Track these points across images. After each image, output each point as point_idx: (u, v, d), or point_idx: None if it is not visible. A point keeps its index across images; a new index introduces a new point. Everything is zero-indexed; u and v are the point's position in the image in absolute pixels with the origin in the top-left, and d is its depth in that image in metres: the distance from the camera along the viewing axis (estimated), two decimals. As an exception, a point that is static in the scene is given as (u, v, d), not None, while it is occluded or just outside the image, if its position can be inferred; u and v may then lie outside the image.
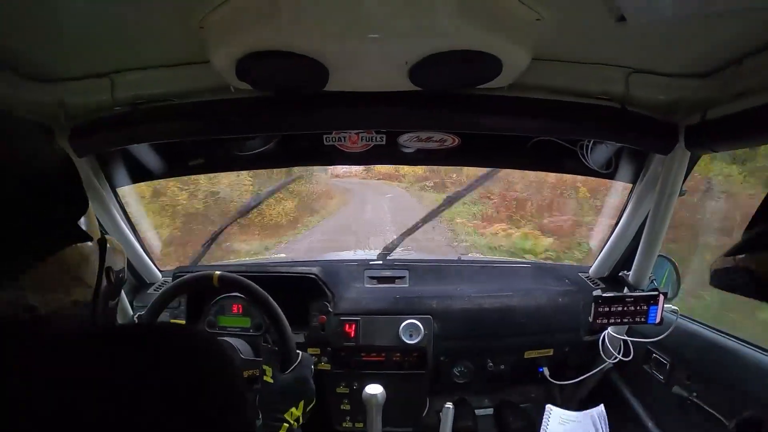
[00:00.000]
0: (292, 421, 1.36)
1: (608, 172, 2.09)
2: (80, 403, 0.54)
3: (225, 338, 1.83)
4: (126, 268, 0.97)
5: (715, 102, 1.48)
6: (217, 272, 1.63)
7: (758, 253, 0.66)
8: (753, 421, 1.37)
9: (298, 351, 1.56)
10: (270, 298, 1.62)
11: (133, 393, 0.55)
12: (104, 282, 0.79)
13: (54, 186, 0.69)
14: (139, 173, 2.13)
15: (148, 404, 0.55)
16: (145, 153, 2.03)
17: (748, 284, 0.68)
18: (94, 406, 0.54)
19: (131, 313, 2.20)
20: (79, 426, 0.53)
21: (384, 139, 2.01)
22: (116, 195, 2.16)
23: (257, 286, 1.63)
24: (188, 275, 1.71)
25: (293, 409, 1.38)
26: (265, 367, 1.49)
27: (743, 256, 0.69)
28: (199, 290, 2.05)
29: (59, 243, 0.69)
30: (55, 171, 0.70)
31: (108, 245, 0.82)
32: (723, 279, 0.74)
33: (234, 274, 1.65)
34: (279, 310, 1.61)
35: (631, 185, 2.17)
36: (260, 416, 1.35)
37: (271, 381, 1.45)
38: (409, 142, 1.99)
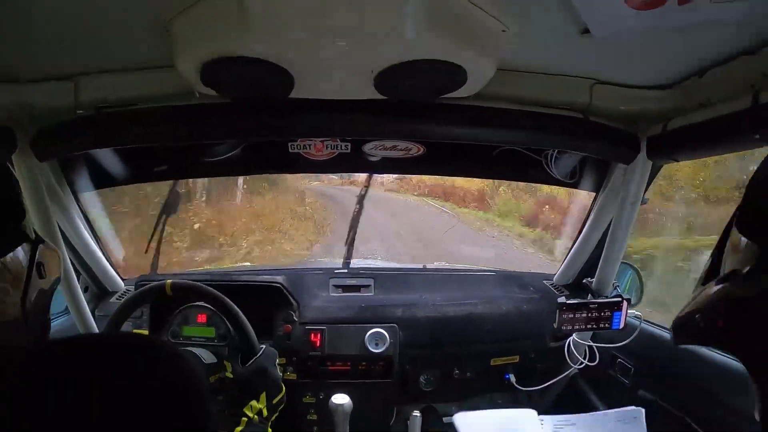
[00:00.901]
0: (252, 415, 1.35)
1: (572, 181, 2.11)
2: (35, 418, 0.52)
3: (189, 348, 1.80)
4: (61, 276, 0.95)
5: (676, 113, 1.51)
6: (169, 280, 1.61)
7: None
8: None
9: (262, 345, 1.54)
10: (225, 298, 1.60)
11: (91, 406, 0.53)
12: (36, 281, 0.77)
13: None
14: (103, 179, 2.07)
15: (106, 418, 0.53)
16: (108, 158, 1.97)
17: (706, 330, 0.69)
18: (52, 417, 0.52)
19: (92, 322, 2.14)
20: None
21: (349, 147, 2.00)
22: (78, 201, 2.09)
23: (211, 288, 1.61)
24: (142, 287, 1.69)
25: (253, 402, 1.37)
26: (225, 362, 1.48)
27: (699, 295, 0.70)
28: (157, 300, 2.01)
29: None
30: None
31: (42, 248, 0.80)
32: (686, 332, 0.74)
33: (186, 280, 1.63)
34: (235, 307, 1.60)
35: (594, 194, 2.20)
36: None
37: (231, 376, 1.44)
38: (374, 150, 1.98)
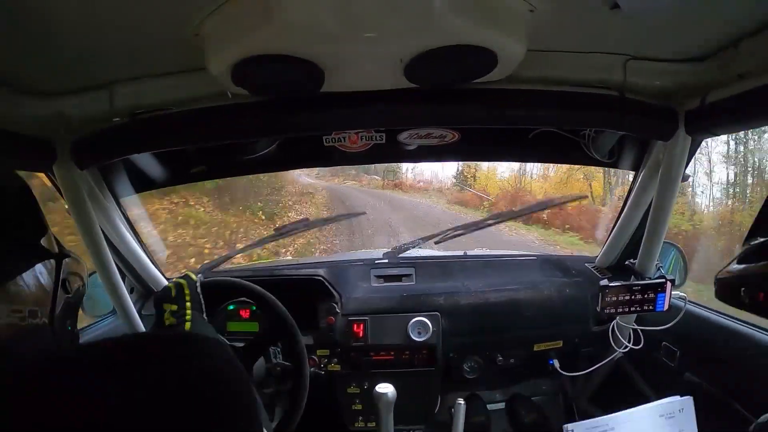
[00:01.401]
0: (170, 321, 1.50)
1: (611, 161, 2.08)
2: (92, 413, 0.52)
3: (233, 344, 1.83)
4: (85, 284, 0.98)
5: (713, 86, 1.47)
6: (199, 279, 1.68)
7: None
8: None
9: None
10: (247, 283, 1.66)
11: (139, 402, 0.54)
12: (62, 295, 0.79)
13: (10, 213, 0.69)
14: (142, 183, 2.13)
15: (155, 414, 0.54)
16: (146, 162, 2.02)
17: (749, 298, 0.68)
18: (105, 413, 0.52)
19: (139, 321, 2.20)
20: None
21: (384, 137, 2.01)
22: (120, 206, 2.16)
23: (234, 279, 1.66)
24: (249, 284, 1.77)
25: (165, 315, 1.52)
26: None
27: (751, 265, 0.69)
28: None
29: (15, 269, 0.69)
30: (10, 198, 0.71)
31: (67, 260, 0.83)
32: (728, 290, 0.73)
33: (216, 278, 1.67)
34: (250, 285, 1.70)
35: (633, 173, 2.17)
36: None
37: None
38: (409, 139, 1.99)
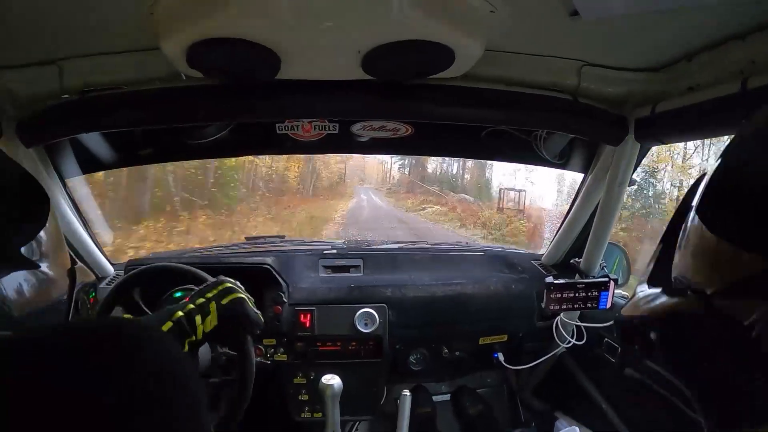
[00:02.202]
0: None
1: (561, 162, 2.12)
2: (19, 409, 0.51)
3: None
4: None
5: (664, 96, 1.51)
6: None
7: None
8: None
9: None
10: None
11: (77, 391, 0.52)
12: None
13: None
14: (89, 163, 2.05)
15: (91, 402, 0.52)
16: (94, 142, 1.96)
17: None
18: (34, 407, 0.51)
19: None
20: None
21: (337, 128, 1.99)
22: (65, 186, 2.08)
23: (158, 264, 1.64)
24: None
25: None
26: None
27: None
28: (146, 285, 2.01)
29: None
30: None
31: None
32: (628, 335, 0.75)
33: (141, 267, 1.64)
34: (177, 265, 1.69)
35: (582, 175, 2.21)
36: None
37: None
38: (362, 130, 1.98)
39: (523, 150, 2.08)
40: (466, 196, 19.89)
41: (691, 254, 0.61)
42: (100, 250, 2.32)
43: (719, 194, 0.59)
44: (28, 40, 1.34)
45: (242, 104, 1.59)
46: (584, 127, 1.73)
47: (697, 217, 0.60)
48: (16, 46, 1.37)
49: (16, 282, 0.75)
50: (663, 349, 0.66)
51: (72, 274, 0.79)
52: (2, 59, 1.43)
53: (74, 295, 0.79)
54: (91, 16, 1.22)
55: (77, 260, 2.23)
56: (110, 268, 2.37)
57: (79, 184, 2.27)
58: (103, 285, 2.29)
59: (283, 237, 2.79)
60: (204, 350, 1.72)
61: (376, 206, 21.28)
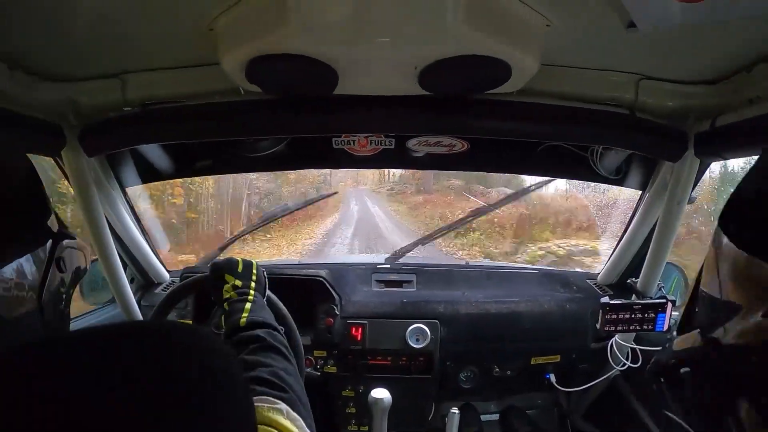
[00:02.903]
0: (230, 294, 1.41)
1: (618, 178, 2.08)
2: (76, 403, 0.51)
3: None
4: (88, 267, 0.98)
5: (724, 109, 1.47)
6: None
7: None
8: None
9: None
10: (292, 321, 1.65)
11: (131, 389, 0.54)
12: (56, 275, 0.79)
13: (18, 196, 0.69)
14: (148, 173, 2.14)
15: (144, 405, 0.53)
16: (154, 153, 2.04)
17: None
18: (90, 403, 0.52)
19: (137, 311, 2.20)
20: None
21: (393, 143, 2.02)
22: (125, 194, 2.17)
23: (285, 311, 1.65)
24: (199, 275, 1.72)
25: (225, 286, 1.44)
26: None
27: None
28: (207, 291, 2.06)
29: (25, 248, 0.70)
30: (19, 182, 0.71)
31: (68, 241, 0.82)
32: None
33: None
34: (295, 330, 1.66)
35: (640, 192, 2.17)
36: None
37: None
38: (418, 146, 2.00)
39: (579, 166, 2.05)
40: (506, 189, 12.67)
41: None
42: (156, 257, 2.40)
43: (743, 208, 0.59)
44: (92, 54, 1.40)
45: (299, 118, 1.62)
46: (642, 143, 1.69)
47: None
48: (81, 60, 1.44)
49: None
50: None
51: (57, 238, 0.81)
52: (67, 72, 1.50)
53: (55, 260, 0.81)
54: (154, 31, 1.28)
55: (133, 267, 2.31)
56: (166, 275, 2.45)
57: (139, 192, 2.35)
58: (158, 290, 2.37)
59: (286, 205, 2.85)
60: None
61: (372, 226, 14.75)
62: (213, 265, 1.55)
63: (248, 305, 1.35)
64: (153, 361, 0.58)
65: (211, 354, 0.65)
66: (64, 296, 0.90)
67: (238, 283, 1.45)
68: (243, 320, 1.28)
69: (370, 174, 22.20)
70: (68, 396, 0.51)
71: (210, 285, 1.52)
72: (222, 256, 2.74)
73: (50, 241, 0.79)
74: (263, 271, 1.58)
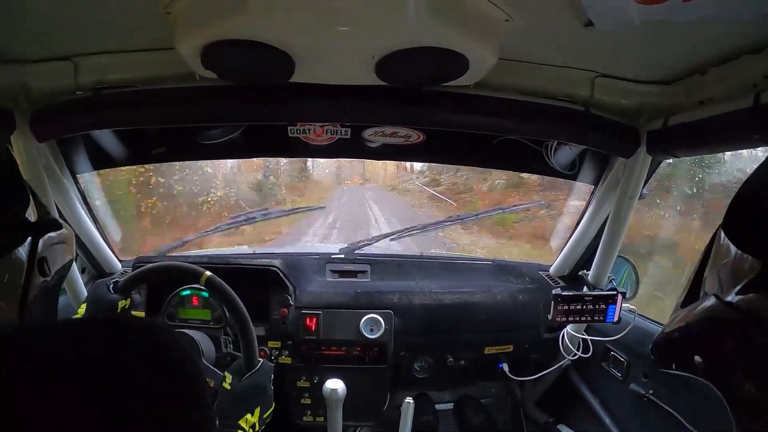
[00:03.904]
0: (247, 428, 1.33)
1: (571, 173, 2.12)
2: (32, 401, 0.51)
3: (185, 330, 1.80)
4: (74, 260, 0.93)
5: (677, 109, 1.50)
6: (207, 273, 1.58)
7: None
8: None
9: (260, 359, 1.53)
10: (244, 310, 1.58)
11: (91, 384, 0.53)
12: (37, 280, 0.75)
13: None
14: (101, 160, 2.07)
15: (99, 400, 0.53)
16: (107, 139, 1.98)
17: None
18: (46, 401, 0.51)
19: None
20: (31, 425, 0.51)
21: (349, 132, 2.00)
22: (76, 182, 2.10)
23: (238, 299, 1.59)
24: (179, 263, 1.66)
25: (248, 416, 1.35)
26: (226, 373, 1.48)
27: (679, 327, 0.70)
28: (170, 280, 2.00)
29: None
30: None
31: (51, 234, 0.77)
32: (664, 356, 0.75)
33: (222, 282, 1.60)
34: (248, 319, 1.55)
35: (593, 187, 2.21)
36: (217, 423, 1.32)
37: (229, 388, 1.44)
38: (373, 136, 1.98)
39: (533, 160, 2.08)
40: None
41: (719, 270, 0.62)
42: (108, 246, 2.33)
43: (746, 211, 0.60)
44: (43, 36, 1.35)
45: (255, 106, 1.60)
46: (596, 139, 1.72)
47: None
48: (31, 41, 1.38)
49: None
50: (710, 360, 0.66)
51: (36, 232, 0.75)
52: (18, 53, 1.44)
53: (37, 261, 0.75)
54: (108, 13, 1.23)
55: (84, 258, 2.25)
56: (118, 264, 2.39)
57: (89, 180, 2.28)
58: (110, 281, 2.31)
59: (266, 209, 2.80)
60: (209, 348, 1.72)
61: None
62: (262, 388, 1.47)
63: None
64: (119, 353, 0.57)
65: (167, 349, 0.64)
66: (50, 308, 0.83)
67: (257, 427, 1.40)
68: None
69: (381, 168, 19.41)
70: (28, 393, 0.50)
71: (246, 389, 1.45)
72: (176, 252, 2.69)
73: (29, 238, 0.72)
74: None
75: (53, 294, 0.83)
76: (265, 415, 1.42)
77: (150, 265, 1.63)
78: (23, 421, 0.49)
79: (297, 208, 3.34)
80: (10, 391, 0.50)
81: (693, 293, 0.69)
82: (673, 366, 0.76)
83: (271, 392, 1.48)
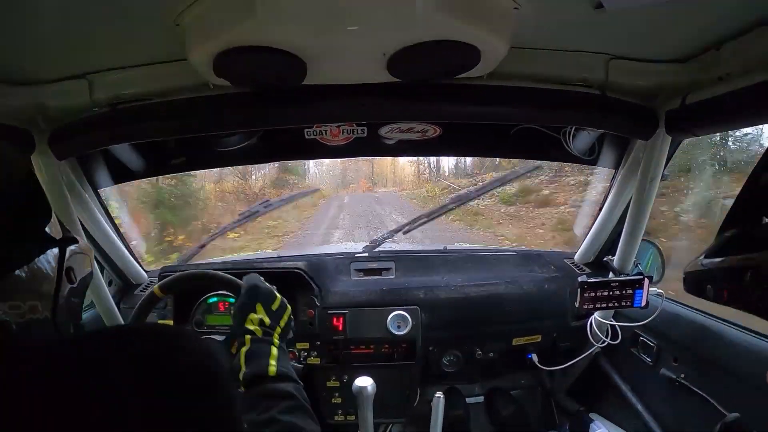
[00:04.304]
0: (254, 327, 1.30)
1: (591, 158, 2.09)
2: (65, 408, 0.53)
3: (212, 336, 1.82)
4: (92, 271, 0.95)
5: (694, 87, 1.48)
6: (156, 286, 1.58)
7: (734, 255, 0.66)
8: (737, 426, 1.38)
9: (243, 277, 1.51)
10: (202, 271, 1.60)
11: (117, 393, 0.55)
12: (66, 286, 0.77)
13: (18, 199, 0.68)
14: (121, 173, 2.10)
15: (132, 406, 0.54)
16: (125, 153, 2.00)
17: (720, 289, 0.69)
18: (78, 408, 0.53)
19: (118, 315, 2.18)
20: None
21: (365, 131, 2.01)
22: (98, 196, 2.13)
23: (188, 271, 1.59)
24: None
25: (252, 315, 1.33)
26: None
27: (718, 260, 0.69)
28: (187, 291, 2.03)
29: (27, 255, 0.68)
30: (20, 184, 0.69)
31: (72, 247, 0.80)
32: (698, 283, 0.74)
33: (172, 275, 1.61)
34: (207, 271, 1.59)
35: (613, 171, 2.19)
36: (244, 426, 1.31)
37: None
38: (390, 133, 1.99)
39: (552, 147, 2.06)
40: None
41: None
42: (134, 258, 2.37)
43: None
44: (57, 56, 1.37)
45: (269, 111, 1.60)
46: (613, 122, 1.70)
47: None
48: (45, 62, 1.40)
49: None
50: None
51: (63, 245, 0.78)
52: (33, 75, 1.46)
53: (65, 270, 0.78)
54: (118, 29, 1.24)
55: (110, 270, 2.28)
56: (144, 275, 2.42)
57: (112, 193, 2.31)
58: (137, 291, 2.34)
59: (267, 201, 2.79)
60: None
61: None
62: (251, 288, 1.43)
63: (275, 350, 1.27)
64: (147, 363, 0.59)
65: (194, 354, 0.66)
66: (77, 308, 0.87)
67: (267, 320, 1.35)
68: (272, 369, 1.20)
69: (390, 168, 17.62)
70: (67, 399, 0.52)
71: (238, 304, 1.40)
72: (200, 255, 2.71)
73: (56, 249, 0.76)
74: (292, 319, 1.47)
75: (80, 297, 0.87)
76: (273, 307, 1.39)
77: (141, 298, 1.64)
78: (23, 421, 0.50)
79: (294, 195, 3.38)
80: (10, 391, 0.52)
81: (734, 217, 0.69)
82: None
83: (267, 287, 1.45)
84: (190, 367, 0.64)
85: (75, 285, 0.81)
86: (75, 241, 0.84)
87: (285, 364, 1.27)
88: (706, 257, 0.73)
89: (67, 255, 0.79)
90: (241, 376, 1.20)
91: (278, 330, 1.36)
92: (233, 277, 1.54)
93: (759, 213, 0.64)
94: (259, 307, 1.36)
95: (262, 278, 1.49)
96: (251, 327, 1.31)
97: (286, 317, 1.42)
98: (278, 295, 1.46)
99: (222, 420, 0.65)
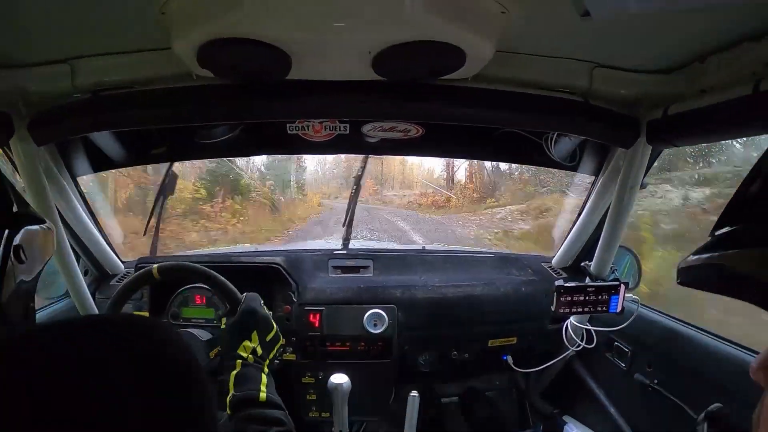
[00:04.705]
0: (246, 355, 1.32)
1: (572, 164, 2.12)
2: (65, 408, 0.52)
3: (188, 329, 1.81)
4: (49, 257, 0.93)
5: (677, 98, 1.49)
6: (155, 265, 1.57)
7: (728, 251, 0.67)
8: (720, 414, 1.40)
9: (244, 294, 1.51)
10: (204, 268, 1.57)
11: (91, 384, 0.54)
12: (16, 266, 0.75)
13: None
14: (100, 162, 2.07)
15: (104, 397, 0.53)
16: (106, 141, 1.98)
17: (716, 281, 0.69)
18: (78, 408, 0.52)
19: (93, 305, 2.15)
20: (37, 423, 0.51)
21: (348, 128, 2.00)
22: (77, 184, 2.10)
23: (195, 264, 1.59)
24: (131, 275, 1.66)
25: (246, 343, 1.34)
26: (221, 319, 1.48)
27: (712, 254, 0.70)
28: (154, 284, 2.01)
29: None
30: None
31: (32, 227, 0.78)
32: (690, 276, 0.75)
33: (173, 262, 1.60)
34: (212, 272, 1.56)
35: (593, 177, 2.21)
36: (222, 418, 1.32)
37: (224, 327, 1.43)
38: (372, 131, 1.98)
39: (534, 151, 2.07)
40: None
41: None
42: (110, 248, 2.34)
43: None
44: (40, 39, 1.34)
45: (252, 104, 1.59)
46: (595, 130, 1.72)
47: None
48: (28, 45, 1.37)
49: None
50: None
51: (12, 225, 0.76)
52: (15, 58, 1.43)
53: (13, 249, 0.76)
54: (103, 15, 1.22)
55: (86, 259, 2.25)
56: (121, 265, 2.39)
57: (90, 182, 2.28)
58: (113, 282, 2.31)
59: None
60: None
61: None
62: (250, 312, 1.43)
63: (265, 378, 1.30)
64: (120, 353, 0.58)
65: (168, 345, 0.65)
66: (27, 290, 0.85)
67: (260, 351, 1.36)
68: (263, 395, 1.22)
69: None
70: (36, 390, 0.51)
71: (234, 323, 1.41)
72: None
73: (6, 231, 0.74)
74: (282, 348, 1.47)
75: (32, 282, 0.85)
76: (267, 338, 1.41)
77: (119, 287, 1.62)
78: (23, 421, 0.49)
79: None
80: (10, 391, 0.51)
81: (730, 215, 0.69)
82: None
83: (265, 315, 1.46)
84: (190, 367, 0.64)
85: (25, 263, 0.79)
86: (37, 221, 0.81)
87: (273, 391, 1.29)
88: (693, 254, 0.74)
89: (20, 235, 0.77)
90: (228, 398, 1.22)
91: (269, 357, 1.39)
92: (236, 290, 1.53)
93: (742, 217, 0.65)
94: (254, 336, 1.38)
95: (261, 301, 1.50)
96: (244, 354, 1.33)
97: (277, 348, 1.44)
98: (274, 325, 1.47)
99: (214, 419, 0.66)
